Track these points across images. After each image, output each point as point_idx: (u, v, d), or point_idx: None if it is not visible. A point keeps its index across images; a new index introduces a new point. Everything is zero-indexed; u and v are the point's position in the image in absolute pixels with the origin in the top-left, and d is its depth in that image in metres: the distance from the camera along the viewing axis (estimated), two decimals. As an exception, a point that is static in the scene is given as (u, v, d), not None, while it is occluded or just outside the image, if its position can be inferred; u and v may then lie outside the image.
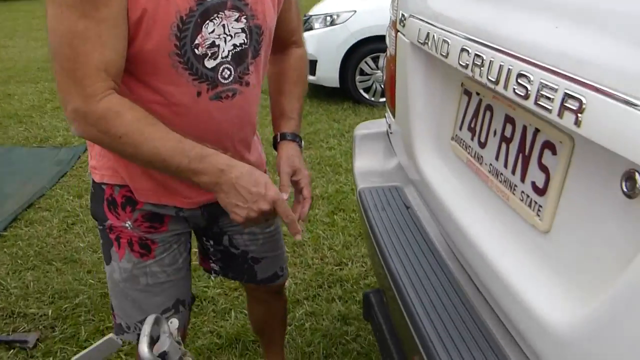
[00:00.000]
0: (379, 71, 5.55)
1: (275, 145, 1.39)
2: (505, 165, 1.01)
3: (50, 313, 2.44)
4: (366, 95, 5.70)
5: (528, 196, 0.93)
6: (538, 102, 0.77)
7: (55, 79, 1.06)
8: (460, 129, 1.23)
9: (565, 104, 0.71)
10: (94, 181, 1.34)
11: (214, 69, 1.16)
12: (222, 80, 1.18)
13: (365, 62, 5.58)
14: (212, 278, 2.64)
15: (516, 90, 0.83)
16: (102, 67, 1.03)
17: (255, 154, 1.44)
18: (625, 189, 0.69)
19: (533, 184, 0.92)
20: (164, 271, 1.37)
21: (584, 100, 0.68)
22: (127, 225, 1.32)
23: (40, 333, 2.33)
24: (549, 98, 0.75)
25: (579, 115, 0.69)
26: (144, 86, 1.14)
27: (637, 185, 0.67)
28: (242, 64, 1.21)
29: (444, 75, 1.33)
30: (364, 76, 5.64)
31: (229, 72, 1.19)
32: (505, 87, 0.86)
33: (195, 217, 1.40)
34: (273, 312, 1.84)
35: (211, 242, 1.55)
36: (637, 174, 0.67)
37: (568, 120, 0.71)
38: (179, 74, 1.13)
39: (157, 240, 1.35)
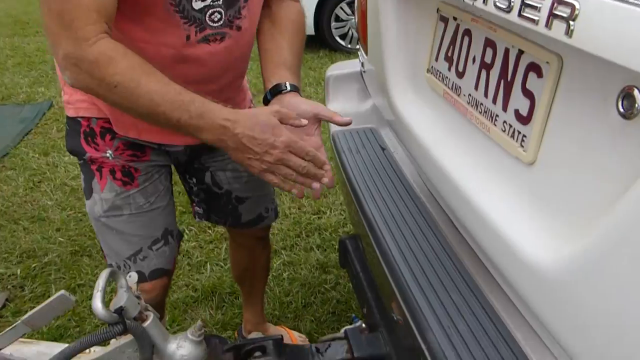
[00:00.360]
0: (354, 17, 5.37)
1: (272, 97, 1.20)
2: (486, 95, 0.92)
3: (19, 272, 2.36)
4: (342, 42, 5.54)
5: (511, 126, 0.84)
6: (522, 14, 0.68)
7: (43, 22, 0.99)
8: (437, 59, 1.13)
9: (555, 12, 0.62)
10: (68, 117, 1.29)
11: (202, 11, 1.11)
12: (211, 24, 1.13)
13: (341, 8, 5.39)
14: (188, 230, 2.56)
15: (497, 3, 0.73)
16: (93, 8, 0.96)
17: (240, 97, 1.40)
18: (621, 109, 0.61)
19: (516, 112, 0.83)
20: (147, 201, 1.33)
21: (576, 5, 0.59)
22: (108, 155, 1.27)
23: (9, 293, 2.25)
24: (534, 7, 0.65)
25: (571, 23, 0.59)
26: (135, 26, 1.09)
27: (637, 104, 0.58)
28: (233, 7, 1.15)
29: (417, 2, 1.22)
30: (340, 22, 5.46)
31: (219, 16, 1.13)
32: (485, 1, 0.76)
33: (177, 153, 1.36)
34: (256, 259, 1.78)
35: (194, 180, 1.50)
36: (636, 90, 0.58)
37: (557, 31, 0.62)
38: (170, 16, 1.08)
39: (141, 169, 1.30)
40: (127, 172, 1.29)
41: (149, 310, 1.04)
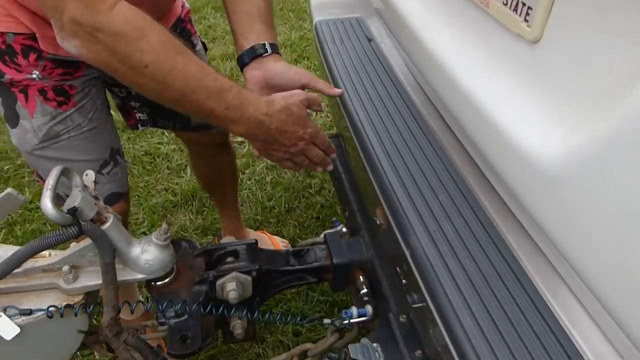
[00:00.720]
0: None
1: (249, 59, 1.07)
2: (487, -37, 0.79)
3: (-10, 175, 2.27)
4: None
5: (514, -2, 0.72)
6: None
7: None
8: None
9: None
10: None
11: None
12: None
13: None
14: (168, 133, 2.45)
15: None
16: None
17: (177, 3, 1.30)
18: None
19: (522, -20, 0.70)
20: (86, 117, 1.17)
21: None
22: (34, 76, 1.08)
23: (-18, 197, 2.17)
24: None
25: None
26: None
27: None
28: None
29: None
30: None
31: None
32: None
33: None
34: (219, 168, 1.66)
35: None
36: None
37: None
38: None
39: (76, 85, 1.13)
40: (61, 91, 1.11)
41: (109, 212, 0.95)
